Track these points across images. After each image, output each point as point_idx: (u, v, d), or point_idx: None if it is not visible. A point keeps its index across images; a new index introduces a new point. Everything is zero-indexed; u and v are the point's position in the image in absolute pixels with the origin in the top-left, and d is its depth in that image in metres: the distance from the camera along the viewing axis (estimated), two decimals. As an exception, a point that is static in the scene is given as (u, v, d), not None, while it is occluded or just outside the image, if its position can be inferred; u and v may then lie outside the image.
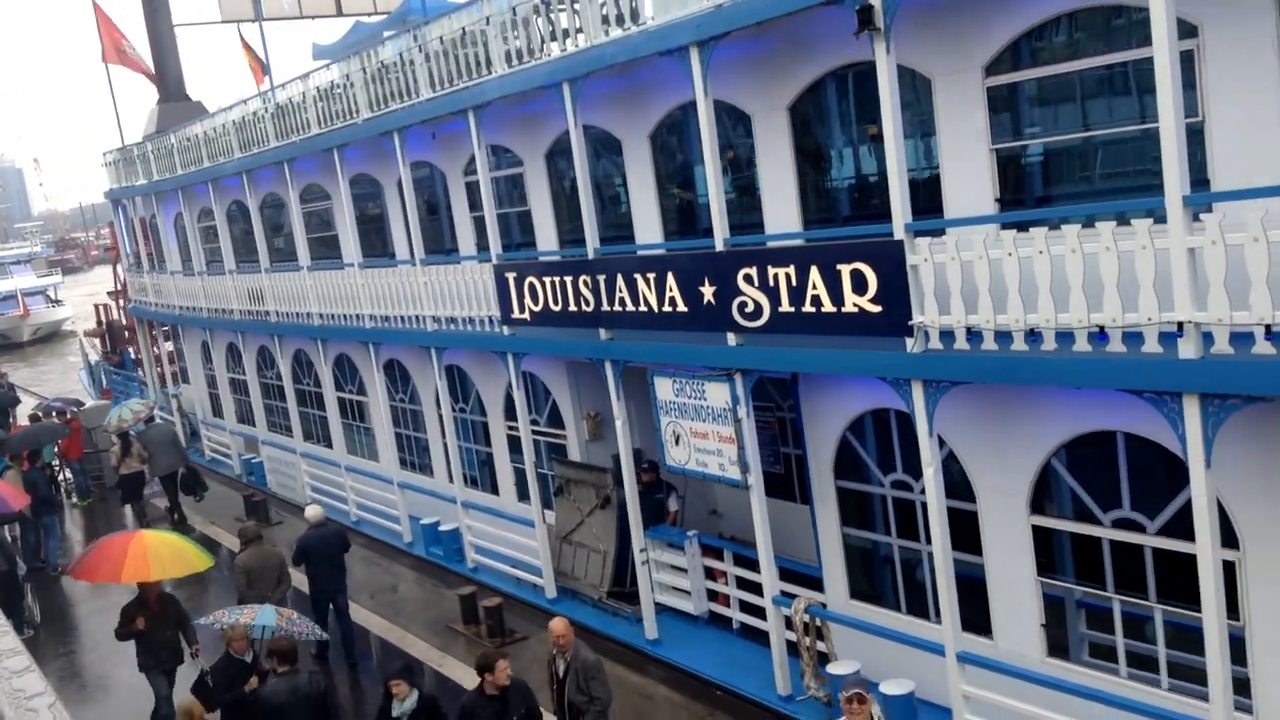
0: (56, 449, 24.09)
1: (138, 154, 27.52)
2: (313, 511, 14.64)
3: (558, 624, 9.91)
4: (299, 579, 14.50)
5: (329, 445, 21.48)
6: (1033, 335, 8.28)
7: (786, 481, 13.65)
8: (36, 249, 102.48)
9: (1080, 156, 9.03)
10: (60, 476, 24.56)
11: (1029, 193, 9.40)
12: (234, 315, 23.18)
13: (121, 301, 38.55)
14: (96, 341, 44.08)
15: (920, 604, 10.87)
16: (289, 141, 19.29)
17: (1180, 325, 7.28)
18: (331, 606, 14.13)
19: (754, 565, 11.99)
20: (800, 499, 13.01)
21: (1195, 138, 7.84)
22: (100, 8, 29.93)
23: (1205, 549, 7.50)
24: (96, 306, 44.50)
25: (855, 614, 11.34)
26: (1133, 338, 7.66)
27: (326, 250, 20.35)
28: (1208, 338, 7.24)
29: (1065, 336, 8.07)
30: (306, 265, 19.94)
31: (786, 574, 12.30)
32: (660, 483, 14.43)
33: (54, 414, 25.45)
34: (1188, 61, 7.77)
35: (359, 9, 30.65)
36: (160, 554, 11.87)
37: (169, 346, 30.97)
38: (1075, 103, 8.89)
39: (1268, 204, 6.94)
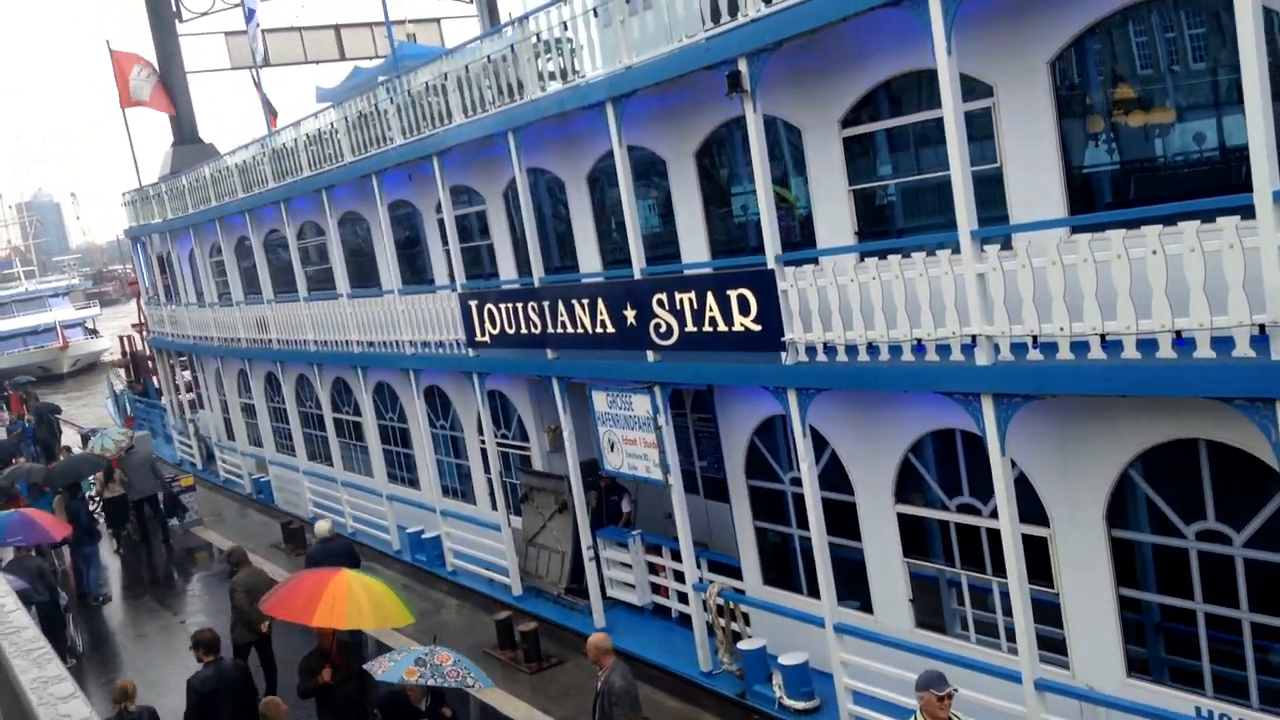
0: (94, 481, 25.24)
1: (153, 194, 29.47)
2: (321, 526, 15.91)
3: (591, 639, 9.98)
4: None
5: (329, 463, 23.12)
6: (873, 348, 9.76)
7: (726, 486, 15.08)
8: (74, 281, 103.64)
9: (919, 195, 10.50)
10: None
11: (886, 225, 10.89)
12: (241, 344, 24.94)
13: (144, 333, 40.53)
14: (121, 372, 46.16)
15: (817, 586, 12.27)
16: (284, 183, 21.04)
17: (974, 338, 8.74)
18: None
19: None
20: (734, 500, 14.46)
21: (997, 180, 9.33)
22: (118, 53, 31.99)
23: (1006, 525, 8.95)
24: (121, 338, 46.63)
25: (764, 597, 12.79)
26: (946, 349, 9.13)
27: (322, 282, 22.05)
28: (998, 348, 8.69)
29: (896, 349, 9.55)
30: (304, 296, 21.66)
31: (721, 567, 13.81)
32: (617, 487, 15.94)
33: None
34: (987, 116, 9.26)
35: (360, 53, 32.61)
36: (359, 600, 10.78)
37: (187, 375, 32.81)
38: (913, 150, 10.38)
39: (1034, 235, 8.41)
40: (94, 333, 75.13)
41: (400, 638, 15.09)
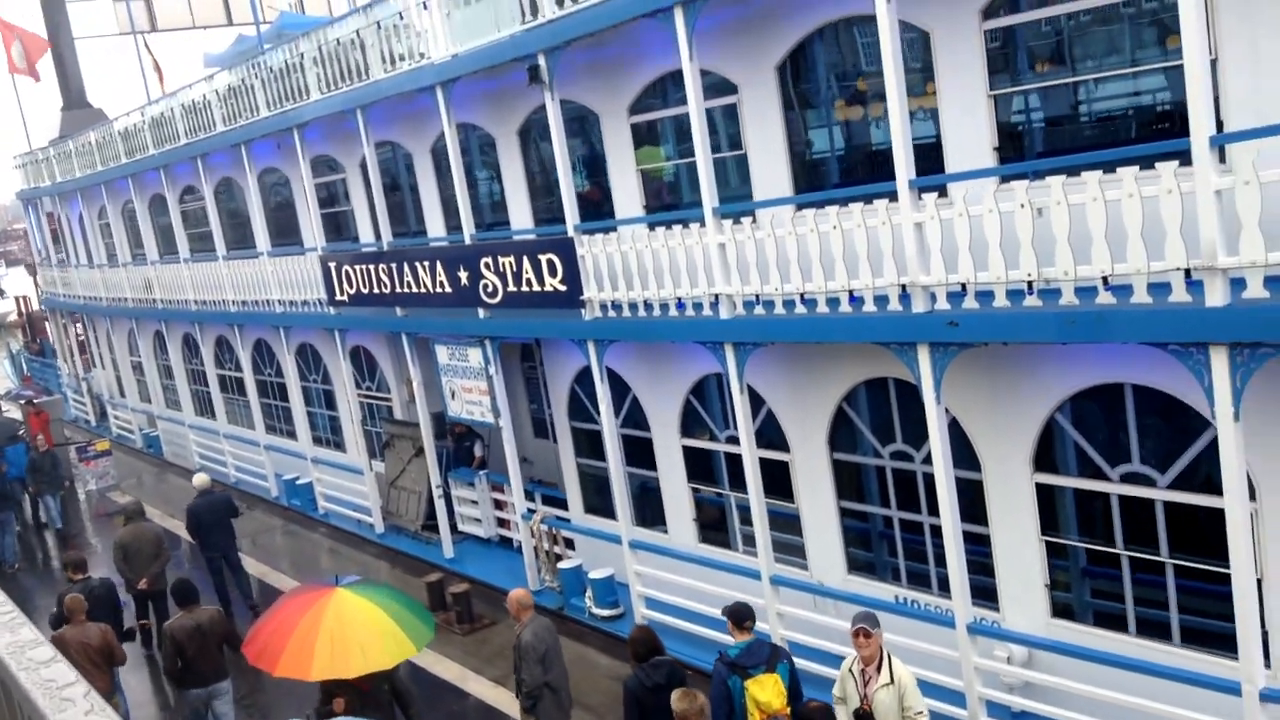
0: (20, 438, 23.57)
1: (42, 158, 30.06)
2: (199, 479, 16.66)
3: (511, 594, 9.93)
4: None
5: (213, 417, 24.36)
6: (648, 305, 11.50)
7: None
8: None
9: (693, 174, 12.20)
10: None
11: (672, 199, 12.62)
12: (128, 304, 25.94)
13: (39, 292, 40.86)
14: (19, 332, 46.36)
15: (627, 513, 14.11)
16: (163, 149, 22.09)
17: (718, 296, 10.53)
18: (225, 564, 15.82)
19: (531, 498, 15.20)
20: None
21: (745, 162, 11.10)
22: (3, 20, 32.29)
23: (745, 451, 10.82)
24: (17, 299, 46.75)
25: (585, 524, 14.58)
26: (700, 305, 10.91)
27: (204, 244, 23.16)
28: (735, 304, 10.49)
29: (666, 306, 11.31)
30: (185, 258, 22.79)
31: (555, 501, 15.54)
32: (471, 433, 17.57)
33: (19, 402, 26.60)
34: (734, 110, 11.02)
35: (248, 18, 33.23)
36: (329, 642, 8.38)
37: (80, 335, 33.53)
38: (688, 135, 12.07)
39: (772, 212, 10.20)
40: (0, 293, 72.83)
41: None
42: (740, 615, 8.62)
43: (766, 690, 8.08)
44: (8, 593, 17.21)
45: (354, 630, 8.50)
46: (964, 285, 8.40)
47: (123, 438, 29.28)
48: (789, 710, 8.16)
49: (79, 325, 33.30)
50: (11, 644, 2.31)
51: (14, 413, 27.21)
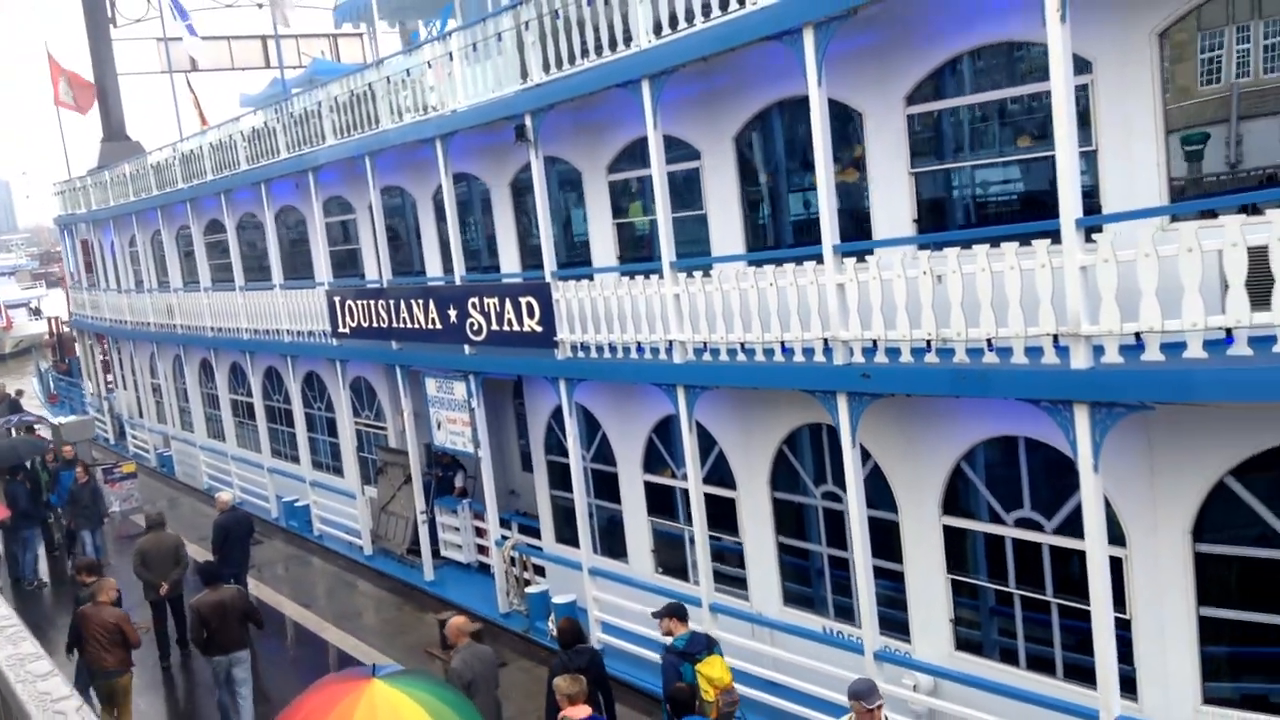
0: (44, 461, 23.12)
1: (79, 186, 31.59)
2: (223, 497, 17.53)
3: (450, 620, 10.47)
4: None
5: (224, 439, 25.46)
6: (613, 348, 12.48)
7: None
8: (21, 261, 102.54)
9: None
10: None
11: (644, 252, 13.65)
12: (150, 328, 27.19)
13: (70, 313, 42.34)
14: (49, 351, 47.91)
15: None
16: (191, 184, 23.42)
17: (672, 342, 11.49)
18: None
19: (507, 525, 16.10)
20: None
21: (704, 221, 12.11)
22: (53, 57, 34.05)
23: (693, 487, 11.72)
24: (49, 319, 48.36)
25: (556, 553, 15.45)
26: (657, 350, 11.87)
27: (223, 275, 24.40)
28: (687, 350, 11.44)
29: (628, 349, 12.28)
30: (206, 287, 24.02)
31: (533, 531, 16.44)
32: (455, 463, 18.54)
33: (25, 429, 27.01)
34: (696, 175, 12.06)
35: (285, 61, 34.81)
36: None
37: (105, 356, 34.85)
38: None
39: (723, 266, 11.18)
40: (38, 313, 73.99)
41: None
42: (683, 611, 9.99)
43: (715, 669, 9.40)
44: (27, 611, 18.14)
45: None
46: (875, 341, 9.33)
47: (139, 456, 30.37)
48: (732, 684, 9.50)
49: (104, 347, 34.62)
50: (12, 656, 2.36)
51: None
